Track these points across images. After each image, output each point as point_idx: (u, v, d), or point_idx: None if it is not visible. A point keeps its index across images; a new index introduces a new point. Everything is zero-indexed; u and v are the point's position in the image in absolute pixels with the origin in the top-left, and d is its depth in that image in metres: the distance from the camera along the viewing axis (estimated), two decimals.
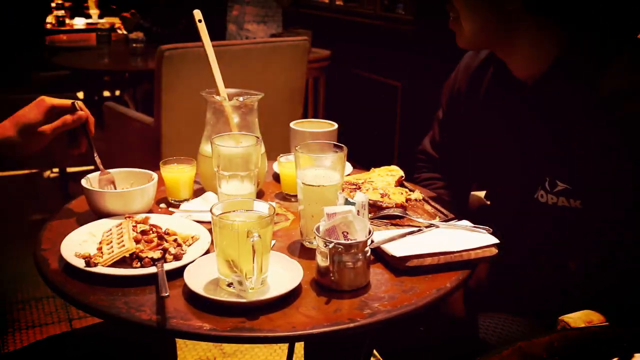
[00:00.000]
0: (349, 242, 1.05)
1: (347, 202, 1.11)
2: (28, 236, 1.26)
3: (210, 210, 1.04)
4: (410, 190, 1.44)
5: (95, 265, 1.09)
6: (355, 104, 4.26)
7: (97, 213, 1.30)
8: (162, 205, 1.42)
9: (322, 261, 1.06)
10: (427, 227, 1.26)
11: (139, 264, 1.10)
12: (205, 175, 1.46)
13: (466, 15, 1.26)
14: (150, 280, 1.06)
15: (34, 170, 3.99)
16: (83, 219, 1.30)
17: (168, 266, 1.09)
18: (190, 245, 1.18)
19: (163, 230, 1.19)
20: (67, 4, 6.63)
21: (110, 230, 1.20)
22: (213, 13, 3.60)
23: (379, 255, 1.16)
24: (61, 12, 6.04)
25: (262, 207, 1.08)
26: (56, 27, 5.86)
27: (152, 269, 1.08)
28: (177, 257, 1.12)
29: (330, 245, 1.04)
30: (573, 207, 1.26)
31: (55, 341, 1.39)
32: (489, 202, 1.63)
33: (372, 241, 1.14)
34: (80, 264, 1.09)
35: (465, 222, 1.28)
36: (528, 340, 0.92)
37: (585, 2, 1.23)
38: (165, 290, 0.99)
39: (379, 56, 4.03)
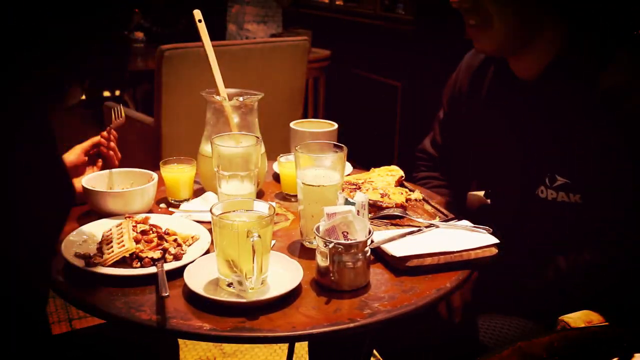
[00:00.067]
0: (349, 242, 1.05)
1: (347, 202, 1.11)
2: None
3: (210, 210, 1.04)
4: (410, 190, 1.44)
5: (95, 265, 1.09)
6: (355, 104, 4.26)
7: (97, 213, 1.30)
8: (162, 205, 1.42)
9: (322, 261, 1.06)
10: (427, 227, 1.26)
11: (139, 264, 1.10)
12: (205, 175, 1.46)
13: (501, 19, 1.25)
14: (150, 280, 1.06)
15: None
16: (83, 219, 1.30)
17: (168, 266, 1.09)
18: (190, 245, 1.18)
19: (163, 230, 1.19)
20: None
21: (110, 230, 1.19)
22: (213, 13, 3.59)
23: (379, 255, 1.16)
24: None
25: (262, 207, 1.08)
26: None
27: (152, 269, 1.08)
28: (177, 257, 1.12)
29: (330, 245, 1.04)
30: (573, 203, 1.26)
31: (56, 341, 1.38)
32: (489, 201, 1.63)
33: (372, 241, 1.14)
34: (80, 264, 1.09)
35: (465, 222, 1.28)
36: (528, 340, 0.92)
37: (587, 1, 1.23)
38: (165, 290, 0.99)
39: (379, 56, 4.03)
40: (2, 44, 0.69)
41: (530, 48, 1.29)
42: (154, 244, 1.14)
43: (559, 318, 1.20)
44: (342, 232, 1.06)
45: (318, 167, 1.19)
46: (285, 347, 2.30)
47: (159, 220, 1.25)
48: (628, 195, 1.21)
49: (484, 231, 1.23)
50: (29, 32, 0.69)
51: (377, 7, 4.13)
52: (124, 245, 1.11)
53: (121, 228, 1.18)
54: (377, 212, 1.33)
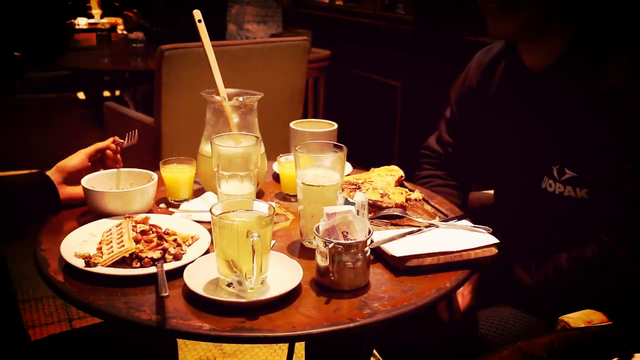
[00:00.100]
0: (349, 242, 1.05)
1: (346, 202, 1.11)
2: (28, 236, 1.28)
3: (210, 210, 1.04)
4: (410, 190, 1.44)
5: (95, 265, 1.09)
6: (355, 104, 4.26)
7: (97, 213, 1.30)
8: (162, 205, 1.42)
9: (321, 261, 1.06)
10: (427, 227, 1.26)
11: (138, 264, 1.10)
12: (205, 175, 1.46)
13: (523, 5, 1.26)
14: (150, 280, 1.06)
15: (34, 171, 3.99)
16: (83, 219, 1.30)
17: (168, 266, 1.09)
18: (190, 245, 1.18)
19: (163, 230, 1.19)
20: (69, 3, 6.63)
21: (110, 230, 1.20)
22: (213, 13, 3.60)
23: (379, 255, 1.16)
24: None
25: (262, 207, 1.08)
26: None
27: (151, 269, 1.08)
28: (176, 257, 1.12)
29: (330, 245, 1.03)
30: (579, 199, 1.27)
31: (56, 341, 1.39)
32: (493, 200, 1.63)
33: (372, 241, 1.14)
34: (80, 264, 1.09)
35: (465, 222, 1.28)
36: (528, 340, 0.92)
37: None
38: (165, 290, 0.99)
39: (379, 56, 4.03)
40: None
41: (544, 37, 1.30)
42: (153, 244, 1.14)
43: (559, 318, 1.20)
44: (342, 232, 1.06)
45: (318, 167, 1.19)
46: (285, 347, 2.30)
47: (159, 220, 1.25)
48: (628, 195, 1.22)
49: (484, 231, 1.23)
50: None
51: (377, 7, 4.13)
52: (123, 245, 1.11)
53: (121, 228, 1.18)
54: (377, 212, 1.33)
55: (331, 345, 1.56)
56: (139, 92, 4.47)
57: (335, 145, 1.23)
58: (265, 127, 1.50)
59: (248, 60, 2.92)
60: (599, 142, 1.21)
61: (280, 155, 1.47)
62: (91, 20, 6.28)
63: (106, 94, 5.30)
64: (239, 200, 1.11)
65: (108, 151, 1.41)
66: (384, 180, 1.45)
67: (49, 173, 1.33)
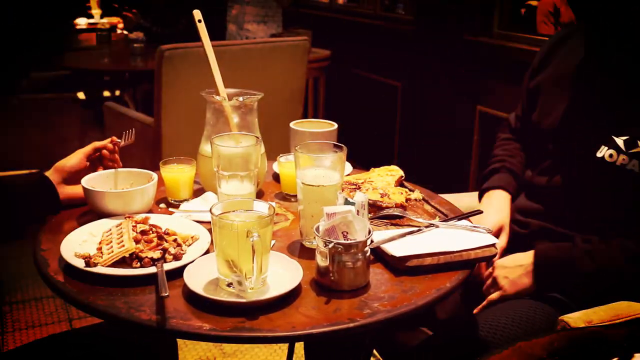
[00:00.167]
0: (349, 242, 1.05)
1: (346, 202, 1.11)
2: (28, 236, 1.28)
3: (210, 210, 1.04)
4: (410, 190, 1.44)
5: (95, 265, 1.09)
6: (355, 104, 4.27)
7: (97, 213, 1.30)
8: (162, 205, 1.42)
9: (321, 261, 1.06)
10: (427, 227, 1.26)
11: (138, 264, 1.10)
12: (205, 175, 1.46)
13: None
14: (150, 280, 1.06)
15: (33, 171, 3.99)
16: (83, 219, 1.30)
17: (168, 266, 1.09)
18: (190, 245, 1.18)
19: (163, 230, 1.19)
20: None
21: (110, 230, 1.20)
22: (213, 13, 3.60)
23: (379, 255, 1.16)
24: None
25: (262, 207, 1.08)
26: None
27: (151, 269, 1.08)
28: (176, 257, 1.12)
29: (330, 245, 1.03)
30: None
31: (56, 340, 1.39)
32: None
33: (372, 241, 1.14)
34: (80, 264, 1.09)
35: (465, 222, 1.28)
36: (528, 340, 0.92)
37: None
38: (165, 290, 0.99)
39: (379, 56, 4.03)
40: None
41: None
42: (153, 244, 1.14)
43: (559, 318, 1.20)
44: (342, 232, 1.06)
45: (318, 167, 1.19)
46: (285, 347, 2.30)
47: (159, 220, 1.25)
48: None
49: (484, 231, 1.23)
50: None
51: (377, 7, 4.14)
52: (123, 246, 1.11)
53: (121, 228, 1.18)
54: (377, 212, 1.33)
55: (331, 345, 1.56)
56: (139, 92, 4.48)
57: (335, 145, 1.23)
58: (265, 127, 1.50)
59: (248, 60, 2.92)
60: None
61: (280, 155, 1.47)
62: (91, 20, 6.28)
63: (106, 94, 5.30)
64: (239, 200, 1.11)
65: (104, 151, 1.41)
66: (384, 180, 1.45)
67: (47, 173, 1.33)
